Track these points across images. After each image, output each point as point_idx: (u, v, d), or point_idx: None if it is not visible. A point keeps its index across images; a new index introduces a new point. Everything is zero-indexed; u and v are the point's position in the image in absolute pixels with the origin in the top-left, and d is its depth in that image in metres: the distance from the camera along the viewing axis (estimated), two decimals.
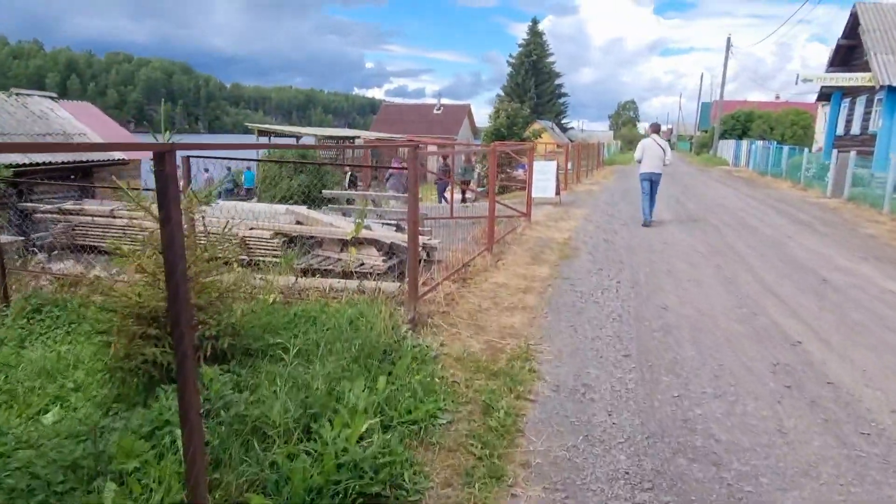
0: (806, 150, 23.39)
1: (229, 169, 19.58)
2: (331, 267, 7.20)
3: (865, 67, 21.98)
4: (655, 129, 11.77)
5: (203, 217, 4.67)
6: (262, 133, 29.13)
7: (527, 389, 4.10)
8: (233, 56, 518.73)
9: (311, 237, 7.68)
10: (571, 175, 20.48)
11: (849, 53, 24.31)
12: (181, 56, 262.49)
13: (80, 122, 17.27)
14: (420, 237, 7.85)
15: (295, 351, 4.01)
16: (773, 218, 12.85)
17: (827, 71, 24.32)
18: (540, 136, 32.10)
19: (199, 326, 3.61)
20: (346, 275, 6.96)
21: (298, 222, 7.85)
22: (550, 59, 72.33)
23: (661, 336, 5.20)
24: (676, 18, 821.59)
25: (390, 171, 19.98)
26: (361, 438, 3.06)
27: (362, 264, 7.25)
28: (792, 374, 4.45)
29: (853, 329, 5.43)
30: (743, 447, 3.41)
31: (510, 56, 72.18)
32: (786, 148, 24.81)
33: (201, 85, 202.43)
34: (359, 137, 30.99)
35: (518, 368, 4.40)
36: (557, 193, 14.93)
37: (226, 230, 4.30)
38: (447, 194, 18.57)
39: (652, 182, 11.24)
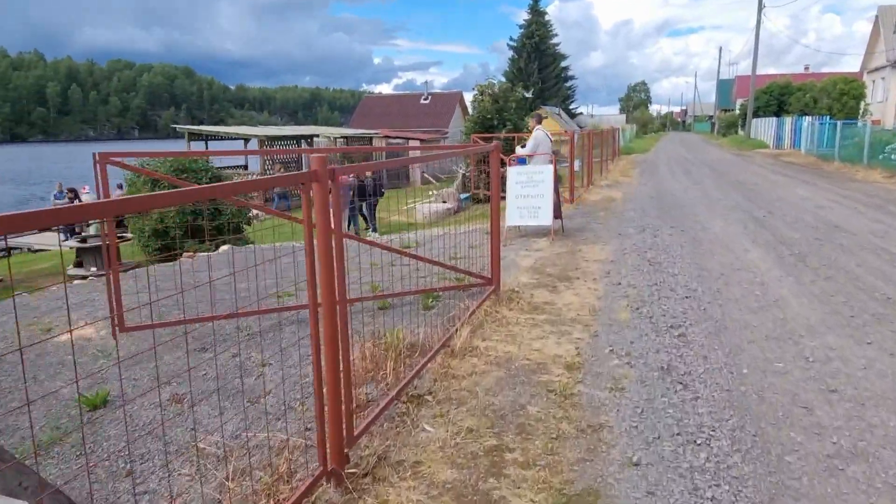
0: None
1: (120, 186, 14.17)
2: None
3: None
4: (540, 120, 11.23)
5: None
6: (193, 136, 23.48)
7: None
8: (239, 59, 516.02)
9: None
10: (580, 176, 14.60)
11: None
12: (187, 61, 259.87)
13: None
14: None
15: None
16: None
17: None
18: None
19: None
20: None
21: None
22: (554, 41, 66.04)
23: None
24: None
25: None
26: None
27: None
28: None
29: None
30: None
31: (510, 39, 66.07)
32: (868, 125, 18.68)
33: (204, 88, 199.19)
34: (318, 136, 25.23)
35: None
36: (557, 216, 9.10)
37: None
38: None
39: None
